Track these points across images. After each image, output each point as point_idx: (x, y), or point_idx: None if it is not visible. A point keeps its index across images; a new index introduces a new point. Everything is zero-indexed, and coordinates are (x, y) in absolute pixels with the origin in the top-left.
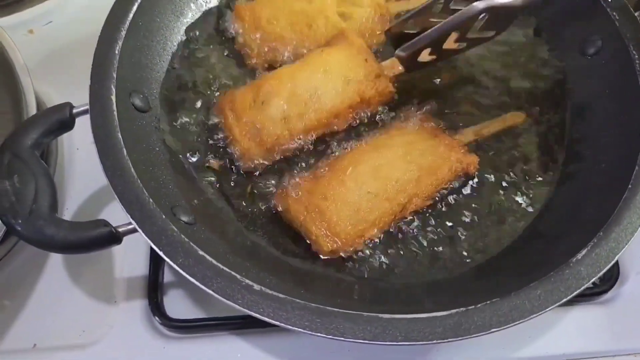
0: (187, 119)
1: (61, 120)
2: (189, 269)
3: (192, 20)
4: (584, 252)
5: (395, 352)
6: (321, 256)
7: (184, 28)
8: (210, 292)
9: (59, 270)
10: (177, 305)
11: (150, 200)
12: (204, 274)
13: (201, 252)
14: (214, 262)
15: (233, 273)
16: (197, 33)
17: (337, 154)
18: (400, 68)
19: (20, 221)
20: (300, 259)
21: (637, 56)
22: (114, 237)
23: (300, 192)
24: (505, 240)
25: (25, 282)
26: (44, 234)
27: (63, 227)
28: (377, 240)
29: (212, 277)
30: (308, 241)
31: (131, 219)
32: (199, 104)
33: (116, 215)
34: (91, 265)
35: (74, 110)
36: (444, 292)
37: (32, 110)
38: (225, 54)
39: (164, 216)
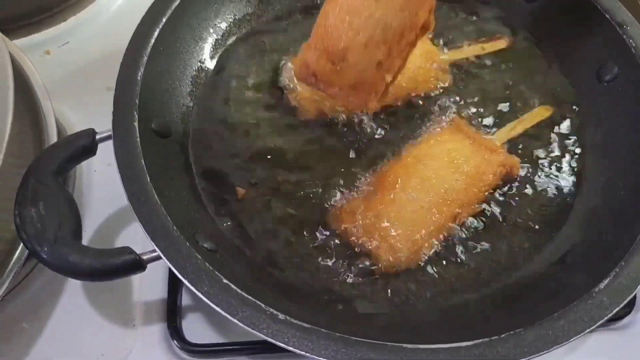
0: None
1: (85, 146)
2: (214, 297)
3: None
4: (606, 281)
5: None
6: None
7: (204, 53)
8: (236, 321)
9: (78, 294)
10: (196, 329)
11: (174, 227)
12: (229, 303)
13: (225, 281)
14: (238, 290)
15: (257, 302)
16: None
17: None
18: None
19: (45, 248)
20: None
21: None
22: (138, 265)
23: (353, 212)
24: (528, 265)
25: (43, 305)
26: (68, 261)
27: (88, 254)
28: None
29: (237, 305)
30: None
31: (156, 248)
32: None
33: (133, 238)
34: (109, 289)
35: (97, 137)
36: (464, 320)
37: (52, 132)
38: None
39: (187, 243)
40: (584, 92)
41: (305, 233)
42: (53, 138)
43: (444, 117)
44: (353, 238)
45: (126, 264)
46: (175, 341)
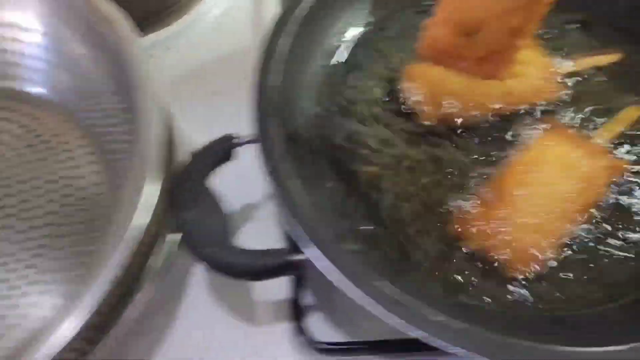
0: None
1: (225, 151)
2: (371, 298)
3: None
4: None
5: None
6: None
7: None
8: (398, 319)
9: (201, 295)
10: (320, 328)
11: (325, 230)
12: (386, 303)
13: (378, 283)
14: (395, 290)
15: (412, 301)
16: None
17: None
18: None
19: (211, 251)
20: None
21: None
22: (289, 266)
23: (477, 219)
24: None
25: (169, 303)
26: (231, 262)
27: (247, 255)
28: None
29: (394, 305)
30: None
31: (308, 251)
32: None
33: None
34: (231, 291)
35: (234, 141)
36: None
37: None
38: None
39: (338, 245)
40: None
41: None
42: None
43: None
44: (478, 245)
45: (282, 266)
46: (302, 340)
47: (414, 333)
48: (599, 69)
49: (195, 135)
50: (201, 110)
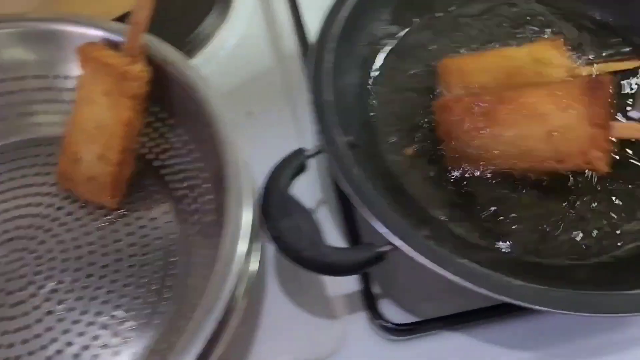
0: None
1: (301, 163)
2: (462, 275)
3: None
4: None
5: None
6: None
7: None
8: (485, 291)
9: (277, 297)
10: (391, 313)
11: (404, 221)
12: (475, 278)
13: (459, 260)
14: (477, 266)
15: (495, 273)
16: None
17: None
18: None
19: (307, 253)
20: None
21: None
22: (380, 257)
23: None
24: None
25: (251, 311)
26: (329, 262)
27: (340, 254)
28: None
29: (483, 278)
30: None
31: (397, 241)
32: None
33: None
34: (304, 289)
35: (307, 154)
36: None
37: None
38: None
39: (418, 235)
40: None
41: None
42: None
43: None
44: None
45: (372, 258)
46: (380, 325)
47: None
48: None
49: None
50: (241, 131)
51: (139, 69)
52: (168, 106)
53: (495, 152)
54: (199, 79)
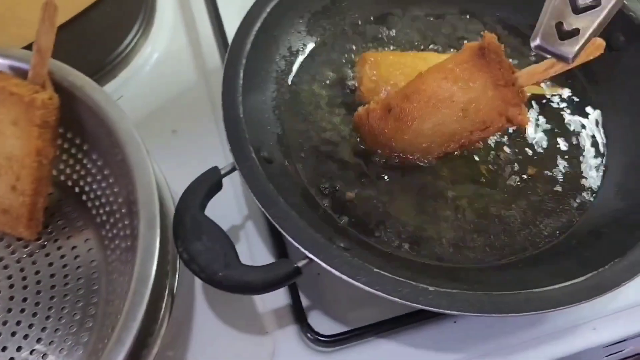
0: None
1: (216, 182)
2: (374, 285)
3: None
4: None
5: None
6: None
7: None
8: (397, 300)
9: (208, 316)
10: (321, 324)
11: (318, 235)
12: (386, 287)
13: (377, 270)
14: (390, 275)
15: (409, 281)
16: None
17: None
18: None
19: (220, 274)
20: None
21: None
22: (297, 272)
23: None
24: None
25: (180, 332)
26: (244, 281)
27: (257, 272)
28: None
29: (395, 286)
30: None
31: (310, 254)
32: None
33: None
34: (235, 306)
35: (222, 172)
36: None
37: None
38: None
39: (333, 246)
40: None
41: None
42: None
43: None
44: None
45: (289, 273)
46: (309, 338)
47: (414, 306)
48: None
49: (166, 174)
50: (167, 150)
51: (47, 97)
52: (81, 131)
53: (424, 145)
54: (108, 102)
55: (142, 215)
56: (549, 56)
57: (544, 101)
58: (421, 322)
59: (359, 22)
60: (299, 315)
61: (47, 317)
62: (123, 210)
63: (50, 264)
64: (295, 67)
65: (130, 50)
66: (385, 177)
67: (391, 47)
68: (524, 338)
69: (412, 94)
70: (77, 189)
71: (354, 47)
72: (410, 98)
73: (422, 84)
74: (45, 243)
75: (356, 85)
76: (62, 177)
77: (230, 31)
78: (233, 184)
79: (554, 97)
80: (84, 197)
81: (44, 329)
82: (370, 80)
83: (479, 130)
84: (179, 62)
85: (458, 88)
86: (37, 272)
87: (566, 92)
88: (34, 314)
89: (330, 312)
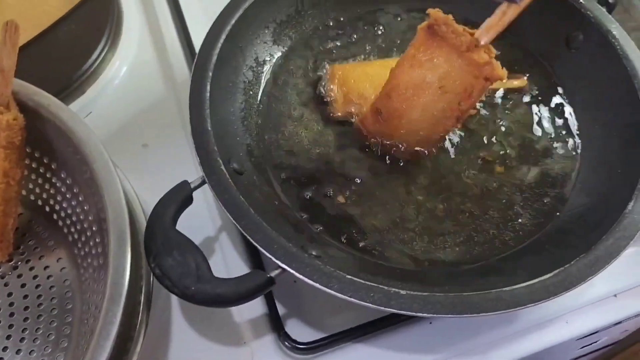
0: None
1: (186, 196)
2: (346, 291)
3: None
4: (631, 203)
5: (490, 321)
6: None
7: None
8: (370, 305)
9: (186, 330)
10: (299, 331)
11: (289, 244)
12: (358, 293)
13: (349, 276)
14: (362, 281)
15: (381, 286)
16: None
17: None
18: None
19: (193, 288)
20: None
21: (616, 42)
22: (270, 282)
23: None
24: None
25: (157, 347)
26: (216, 294)
27: (229, 284)
28: None
29: (367, 292)
30: None
31: (282, 264)
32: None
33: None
34: (212, 319)
35: (192, 185)
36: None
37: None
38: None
39: (305, 255)
40: (557, 59)
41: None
42: None
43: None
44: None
45: (262, 284)
46: (287, 346)
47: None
48: None
49: (138, 189)
50: (138, 164)
51: (11, 117)
52: (49, 150)
53: (422, 133)
54: (74, 120)
55: (112, 233)
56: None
57: (512, 100)
58: (397, 325)
59: (324, 30)
60: (275, 324)
61: (22, 339)
62: (94, 228)
63: (23, 285)
64: (263, 78)
65: (98, 66)
66: (358, 180)
67: (358, 58)
68: (499, 336)
69: (390, 91)
70: (47, 208)
71: (320, 55)
72: (390, 96)
73: (395, 80)
74: (18, 264)
75: (328, 100)
76: (32, 197)
77: (198, 42)
78: (206, 197)
79: (523, 96)
80: (55, 216)
81: (18, 352)
82: (341, 95)
83: (464, 100)
84: (147, 75)
85: (426, 70)
86: (9, 294)
87: (534, 90)
88: (8, 337)
89: (307, 319)
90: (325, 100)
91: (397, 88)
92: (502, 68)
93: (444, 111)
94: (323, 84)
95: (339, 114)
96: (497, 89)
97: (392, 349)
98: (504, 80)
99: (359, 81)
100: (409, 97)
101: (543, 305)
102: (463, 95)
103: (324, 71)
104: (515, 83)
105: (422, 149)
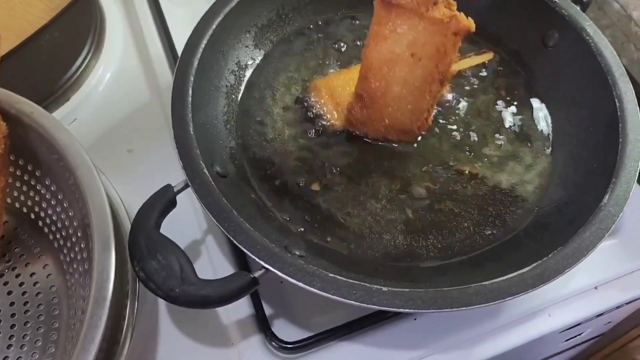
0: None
1: (170, 199)
2: (329, 290)
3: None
4: (607, 197)
5: (474, 315)
6: None
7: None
8: (352, 302)
9: (173, 333)
10: (286, 331)
11: (272, 245)
12: (341, 291)
13: (331, 275)
14: (345, 279)
15: (363, 284)
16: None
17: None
18: None
19: (177, 290)
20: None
21: (590, 40)
22: (254, 283)
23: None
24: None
25: (145, 350)
26: (200, 295)
27: (214, 285)
28: None
29: (349, 290)
30: None
31: (265, 264)
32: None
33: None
34: (199, 321)
35: (175, 189)
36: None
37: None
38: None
39: (288, 255)
40: (534, 57)
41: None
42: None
43: None
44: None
45: (246, 285)
46: (274, 346)
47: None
48: None
49: (123, 194)
50: (123, 169)
51: None
52: (32, 158)
53: (410, 107)
54: (57, 127)
55: (96, 238)
56: None
57: (491, 94)
58: (383, 322)
59: (305, 33)
60: (262, 324)
61: (9, 346)
62: (79, 234)
63: (9, 293)
64: (244, 81)
65: (81, 72)
66: (339, 179)
67: (338, 62)
68: (483, 330)
69: (366, 73)
70: (32, 216)
71: (300, 58)
72: (367, 77)
73: (367, 61)
74: (4, 272)
75: (323, 115)
76: (17, 205)
77: (181, 47)
78: (192, 200)
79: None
80: (40, 223)
81: (5, 359)
82: (334, 106)
83: (441, 61)
84: (131, 81)
85: (393, 42)
86: None
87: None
88: None
89: (294, 318)
90: (319, 116)
91: (371, 68)
92: (468, 18)
93: (424, 78)
94: (310, 101)
95: (338, 123)
96: (466, 69)
97: (378, 345)
98: (472, 56)
99: (346, 87)
100: (385, 73)
101: (525, 298)
102: (437, 57)
103: (307, 87)
104: (483, 57)
105: (416, 127)
